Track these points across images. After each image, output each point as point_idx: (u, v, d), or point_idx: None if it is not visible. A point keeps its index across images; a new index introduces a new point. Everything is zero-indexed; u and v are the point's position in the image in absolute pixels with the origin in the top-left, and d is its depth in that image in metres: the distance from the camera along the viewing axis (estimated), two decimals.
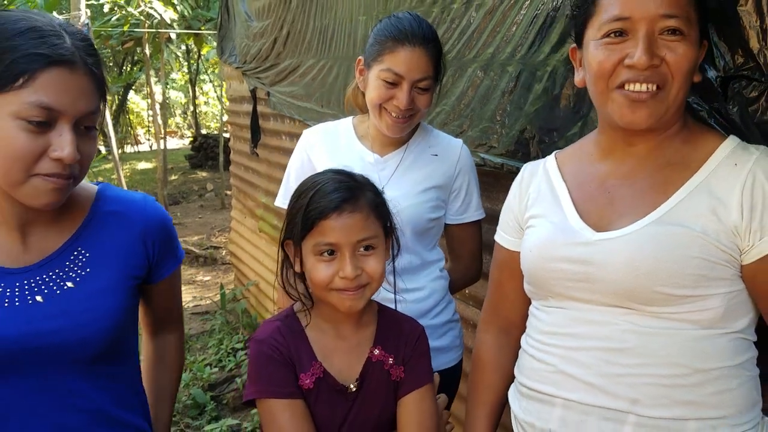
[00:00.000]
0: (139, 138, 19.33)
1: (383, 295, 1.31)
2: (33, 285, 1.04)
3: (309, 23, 3.27)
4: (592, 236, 1.09)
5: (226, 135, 10.56)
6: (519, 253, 1.22)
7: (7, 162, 0.97)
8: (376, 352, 1.24)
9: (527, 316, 1.23)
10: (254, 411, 3.46)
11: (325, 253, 1.16)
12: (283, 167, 4.04)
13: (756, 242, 1.00)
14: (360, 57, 1.59)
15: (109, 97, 1.29)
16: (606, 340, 1.06)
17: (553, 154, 1.26)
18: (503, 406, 1.31)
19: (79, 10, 6.32)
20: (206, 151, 12.34)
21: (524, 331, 1.23)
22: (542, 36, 1.68)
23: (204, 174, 12.48)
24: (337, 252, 1.16)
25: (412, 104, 1.50)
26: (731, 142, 1.07)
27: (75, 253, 1.09)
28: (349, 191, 1.17)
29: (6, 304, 1.02)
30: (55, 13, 8.04)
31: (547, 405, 1.13)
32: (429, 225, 1.59)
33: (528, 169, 1.28)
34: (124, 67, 11.85)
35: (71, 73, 0.99)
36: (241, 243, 5.05)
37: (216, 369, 4.02)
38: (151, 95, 9.57)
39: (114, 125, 9.59)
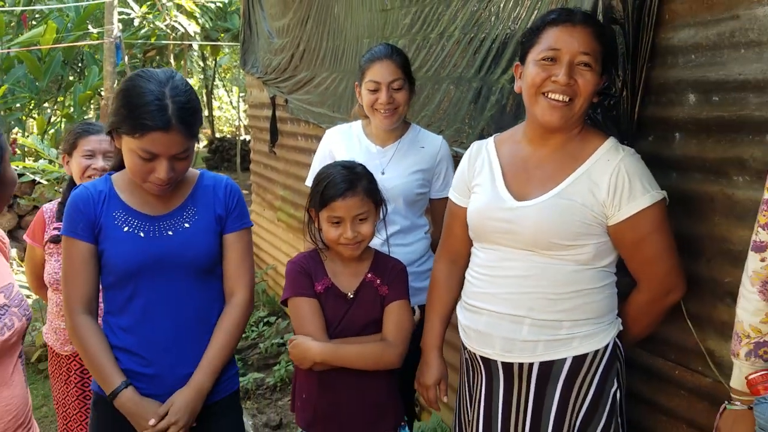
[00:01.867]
0: None
1: (374, 242, 1.94)
2: (166, 225, 1.68)
3: (322, 42, 3.89)
4: (513, 204, 1.62)
5: (243, 137, 11.21)
6: (466, 209, 1.76)
7: (133, 174, 1.62)
8: (369, 276, 1.86)
9: (469, 252, 1.80)
10: (276, 367, 4.10)
11: (334, 222, 1.79)
12: (299, 164, 4.77)
13: (616, 212, 1.53)
14: (356, 82, 2.22)
15: None
16: (518, 270, 1.60)
17: (492, 137, 1.79)
18: (451, 314, 1.87)
19: (112, 23, 6.98)
20: (222, 154, 12.96)
21: (467, 263, 1.81)
22: (495, 61, 2.30)
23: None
24: (342, 221, 1.78)
25: (392, 100, 2.10)
26: (609, 143, 1.59)
27: (188, 208, 1.72)
28: (349, 182, 1.79)
29: (152, 236, 1.66)
30: (90, 26, 8.72)
31: (477, 314, 1.69)
32: (416, 198, 2.19)
33: (475, 147, 1.80)
34: None
35: (166, 134, 1.54)
36: (260, 233, 5.67)
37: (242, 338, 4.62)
38: None
39: None
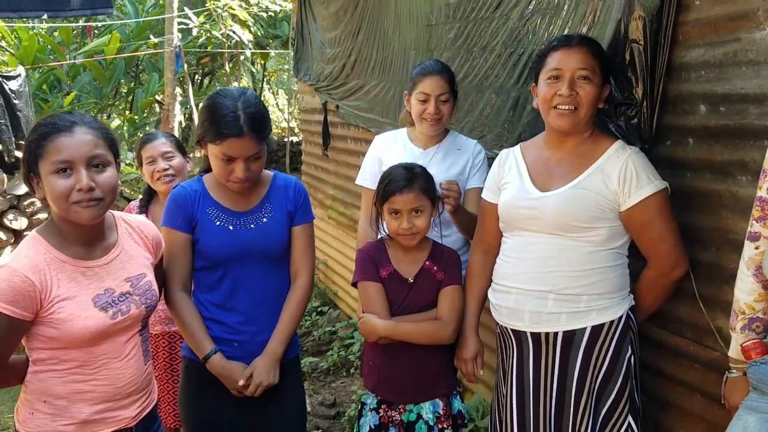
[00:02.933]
0: None
1: (434, 235, 2.24)
2: (249, 220, 2.01)
3: (372, 53, 4.21)
4: (538, 194, 1.92)
5: (290, 139, 11.64)
6: (496, 204, 2.06)
7: (218, 175, 1.94)
8: (427, 263, 2.16)
9: (499, 244, 2.07)
10: (329, 352, 4.44)
11: (393, 214, 2.09)
12: (349, 165, 5.12)
13: (626, 199, 1.82)
14: (405, 91, 2.52)
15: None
16: (542, 252, 1.90)
17: (519, 144, 2.10)
18: (485, 299, 2.15)
19: (173, 33, 7.46)
20: (270, 155, 13.40)
21: (497, 254, 2.09)
22: (532, 73, 2.55)
23: None
24: (400, 214, 2.09)
25: (438, 111, 2.40)
26: (618, 144, 1.89)
27: (265, 205, 2.04)
28: (407, 180, 2.10)
29: (239, 228, 1.99)
30: (151, 36, 9.26)
31: (506, 293, 1.98)
32: None
33: (504, 153, 2.12)
34: (204, 81, 13.04)
35: (240, 140, 1.86)
36: None
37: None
38: None
39: (187, 133, 10.81)
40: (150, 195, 2.87)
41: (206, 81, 13.48)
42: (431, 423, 2.14)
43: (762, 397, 1.50)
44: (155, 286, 1.78)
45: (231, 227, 1.98)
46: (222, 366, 1.95)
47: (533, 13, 2.52)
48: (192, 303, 2.01)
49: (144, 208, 2.84)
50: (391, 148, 2.57)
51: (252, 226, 2.00)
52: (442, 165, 2.46)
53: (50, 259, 1.58)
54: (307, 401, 3.84)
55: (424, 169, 2.16)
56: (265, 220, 2.02)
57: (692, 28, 1.86)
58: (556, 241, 1.88)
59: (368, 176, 2.59)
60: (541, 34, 2.48)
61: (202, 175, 2.10)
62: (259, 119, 1.90)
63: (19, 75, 5.88)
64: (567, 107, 1.85)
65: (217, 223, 1.99)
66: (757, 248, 1.54)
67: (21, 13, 3.49)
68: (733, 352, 1.62)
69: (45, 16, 4.15)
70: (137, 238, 1.80)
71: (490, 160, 2.50)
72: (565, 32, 2.31)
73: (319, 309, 5.19)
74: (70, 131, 1.56)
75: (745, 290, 1.57)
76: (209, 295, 2.02)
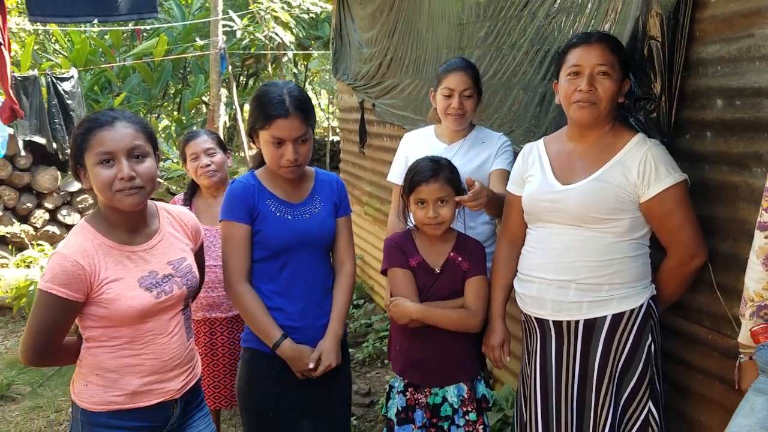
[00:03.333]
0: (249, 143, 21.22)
1: (458, 226, 2.34)
2: (304, 211, 2.12)
3: (407, 52, 4.31)
4: (560, 187, 2.00)
5: (331, 138, 11.83)
6: (521, 197, 2.14)
7: (269, 161, 2.05)
8: (452, 254, 2.25)
9: (524, 235, 2.15)
10: (365, 344, 4.57)
11: (420, 203, 2.20)
12: (385, 162, 5.23)
13: (645, 191, 1.88)
14: (431, 88, 2.61)
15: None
16: (564, 243, 1.97)
17: (542, 139, 2.17)
18: (511, 288, 2.22)
19: (217, 36, 7.71)
20: (311, 154, 13.64)
21: (522, 245, 2.17)
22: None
23: None
24: (426, 203, 2.19)
25: (462, 106, 2.49)
26: (637, 137, 1.95)
27: (315, 197, 2.16)
28: (433, 171, 2.20)
29: (297, 218, 2.10)
30: (198, 39, 9.57)
31: (530, 282, 2.06)
32: None
33: (527, 147, 2.19)
34: (248, 82, 13.35)
35: (286, 120, 1.98)
36: None
37: None
38: None
39: (232, 133, 11.12)
40: (193, 189, 3.04)
41: (250, 82, 13.80)
42: (456, 406, 2.24)
43: None
44: (195, 270, 1.92)
45: (289, 217, 2.09)
46: (292, 349, 2.05)
47: (558, 11, 2.58)
48: (255, 294, 2.09)
49: (188, 202, 3.01)
50: (418, 145, 2.68)
51: (307, 215, 2.12)
52: (466, 157, 2.55)
53: (98, 244, 1.72)
54: None
55: (449, 161, 2.26)
56: (316, 210, 2.14)
57: (708, 25, 1.91)
58: (578, 232, 1.95)
59: (397, 172, 2.70)
60: (566, 32, 2.54)
61: (254, 171, 2.20)
62: (303, 101, 2.02)
63: (72, 77, 6.21)
64: (586, 103, 1.91)
65: (277, 213, 2.09)
66: (766, 238, 1.59)
67: (73, 18, 3.72)
68: (743, 338, 1.67)
69: (95, 21, 4.41)
70: (177, 226, 1.93)
71: (516, 155, 2.58)
72: (588, 29, 2.37)
73: (355, 302, 5.33)
74: (112, 125, 1.70)
75: (754, 278, 1.62)
76: (270, 285, 2.10)
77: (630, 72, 2.02)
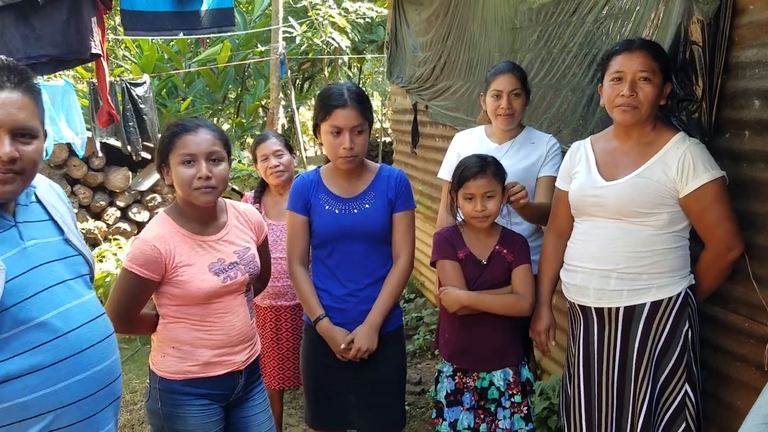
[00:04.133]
0: (305, 145, 21.73)
1: (502, 222, 2.49)
2: (353, 205, 2.32)
3: (460, 55, 4.48)
4: (603, 183, 2.13)
5: (383, 139, 12.06)
6: (567, 192, 2.28)
7: (329, 152, 2.26)
8: (497, 247, 2.41)
9: (571, 228, 2.29)
10: (416, 336, 4.75)
11: (467, 199, 2.37)
12: (437, 162, 5.39)
13: (684, 187, 2.00)
14: (481, 92, 2.78)
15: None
16: (605, 235, 2.10)
17: (589, 137, 2.31)
18: (557, 278, 2.37)
19: (278, 42, 8.05)
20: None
21: (569, 238, 2.32)
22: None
23: None
24: (474, 198, 2.36)
25: (511, 106, 2.64)
26: (678, 135, 2.07)
27: (370, 192, 2.35)
28: (479, 167, 2.35)
29: (343, 212, 2.31)
30: (259, 45, 9.98)
31: (574, 272, 2.20)
32: (526, 183, 2.67)
33: (575, 146, 2.32)
34: (304, 85, 13.73)
35: (344, 110, 2.20)
36: None
37: None
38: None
39: (289, 135, 11.49)
40: (263, 188, 3.30)
41: (306, 85, 14.18)
42: (502, 389, 2.39)
43: None
44: (257, 259, 2.16)
45: (337, 211, 2.31)
46: (328, 329, 2.29)
47: (606, 17, 2.72)
48: (307, 275, 2.36)
49: (258, 199, 3.28)
50: (469, 145, 2.82)
51: (355, 210, 2.31)
52: (516, 157, 2.69)
53: (174, 232, 1.99)
54: None
55: (494, 159, 2.41)
56: (367, 206, 2.32)
57: (747, 30, 2.02)
58: (620, 225, 2.08)
59: (447, 170, 2.85)
60: (613, 36, 2.67)
61: (320, 166, 2.44)
62: (360, 95, 2.26)
63: (145, 82, 6.64)
64: (628, 107, 2.04)
65: (326, 207, 2.32)
66: None
67: (162, 32, 4.09)
68: None
69: (180, 35, 4.78)
70: (243, 220, 2.18)
71: (564, 153, 2.72)
72: (635, 34, 2.50)
73: (406, 297, 5.52)
74: (196, 131, 1.97)
75: None
76: (322, 268, 2.36)
77: (671, 75, 2.14)
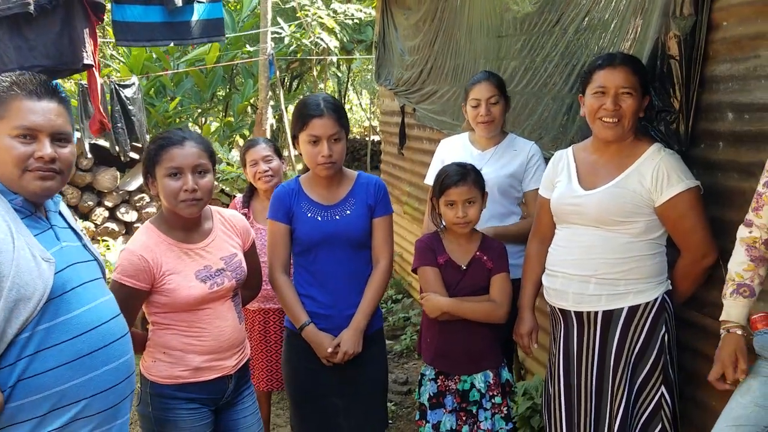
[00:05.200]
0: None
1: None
2: (334, 212, 2.38)
3: (447, 61, 4.54)
4: (582, 192, 2.20)
5: (372, 138, 12.12)
6: (549, 200, 2.35)
7: (308, 160, 2.31)
8: (478, 253, 2.47)
9: (553, 234, 2.37)
10: (403, 336, 4.82)
11: (449, 205, 2.43)
12: (424, 164, 5.44)
13: (659, 196, 2.07)
14: (462, 103, 2.84)
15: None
16: (584, 242, 2.17)
17: (571, 147, 2.37)
18: (540, 282, 2.42)
19: (266, 43, 8.07)
20: (353, 154, 13.99)
21: (551, 243, 2.39)
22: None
23: None
24: (455, 204, 2.42)
25: (489, 113, 2.71)
26: (654, 146, 2.14)
27: (350, 199, 2.40)
28: (461, 175, 2.42)
29: (324, 219, 2.36)
30: (248, 45, 9.99)
31: (554, 277, 2.27)
32: (508, 189, 2.76)
33: (557, 155, 2.39)
34: (292, 84, 13.74)
35: (321, 119, 2.26)
36: None
37: None
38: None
39: (277, 134, 11.51)
40: (251, 192, 3.34)
41: (294, 84, 14.19)
42: (483, 391, 2.45)
43: (766, 363, 1.74)
44: (244, 265, 2.21)
45: (319, 218, 2.36)
46: (314, 334, 2.33)
47: (587, 28, 2.78)
48: (290, 282, 2.41)
49: (246, 204, 3.31)
50: (453, 151, 2.90)
51: (337, 217, 2.37)
52: (497, 164, 2.77)
53: (160, 242, 2.04)
54: None
55: (473, 167, 2.47)
56: (348, 212, 2.38)
57: (720, 46, 2.09)
58: (598, 232, 2.15)
59: (433, 176, 2.92)
60: (592, 47, 2.74)
61: (299, 176, 2.50)
62: (336, 105, 2.34)
63: (134, 84, 6.64)
64: (611, 120, 2.12)
65: (308, 214, 2.37)
66: (750, 232, 1.84)
67: (153, 42, 4.13)
68: (723, 316, 1.90)
69: (171, 44, 4.84)
70: (228, 226, 2.23)
71: (547, 161, 2.79)
72: (612, 47, 2.57)
73: (394, 297, 5.59)
74: (182, 144, 2.02)
75: (737, 261, 1.86)
76: (304, 275, 2.41)
77: (649, 88, 2.20)
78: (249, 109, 11.81)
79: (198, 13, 4.00)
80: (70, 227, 1.69)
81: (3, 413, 1.39)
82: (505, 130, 2.88)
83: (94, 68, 3.77)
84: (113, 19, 4.01)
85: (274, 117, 9.96)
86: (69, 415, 1.48)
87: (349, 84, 16.07)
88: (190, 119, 10.74)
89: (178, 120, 9.74)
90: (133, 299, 2.00)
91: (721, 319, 1.91)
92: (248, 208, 3.28)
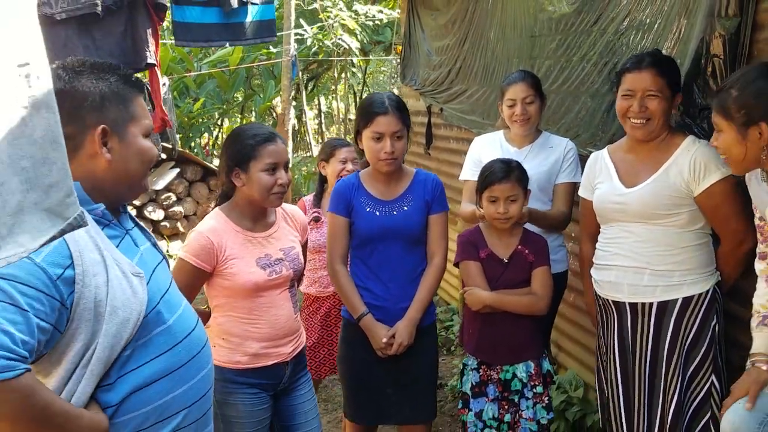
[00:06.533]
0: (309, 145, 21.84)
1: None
2: (392, 207, 2.46)
3: (477, 60, 4.61)
4: (625, 190, 2.27)
5: None
6: (591, 201, 2.40)
7: (370, 156, 2.41)
8: (520, 247, 2.54)
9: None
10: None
11: (491, 201, 2.49)
12: (450, 164, 5.51)
13: (696, 187, 2.14)
14: (498, 102, 2.91)
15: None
16: (635, 236, 2.24)
17: (606, 148, 2.43)
18: None
19: (290, 44, 8.18)
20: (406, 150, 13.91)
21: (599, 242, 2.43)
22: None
23: None
24: (497, 201, 2.48)
25: (525, 112, 2.78)
26: (688, 139, 2.21)
27: (407, 195, 2.48)
28: (505, 172, 2.48)
29: (384, 214, 2.44)
30: (270, 46, 10.11)
31: (608, 270, 2.33)
32: (545, 186, 2.82)
33: (593, 157, 2.46)
34: (308, 84, 13.85)
35: (385, 117, 2.36)
36: None
37: None
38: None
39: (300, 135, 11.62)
40: (322, 191, 3.43)
41: (310, 85, 14.30)
42: (525, 381, 2.52)
43: None
44: (302, 257, 2.31)
45: (378, 213, 2.45)
46: (371, 325, 2.42)
47: (627, 28, 2.85)
48: (348, 273, 2.49)
49: (317, 203, 3.40)
50: (488, 148, 2.95)
51: (395, 212, 2.45)
52: (535, 161, 2.83)
53: (226, 227, 2.15)
54: None
55: (519, 164, 2.54)
56: (406, 208, 2.45)
57: (765, 45, 2.16)
58: (646, 227, 2.22)
59: (469, 171, 2.98)
60: (634, 47, 2.80)
61: (359, 171, 2.59)
62: (400, 104, 2.44)
63: (164, 84, 6.75)
64: (638, 121, 2.20)
65: (367, 209, 2.45)
66: (767, 264, 1.92)
67: (210, 42, 4.25)
68: (752, 348, 1.94)
69: (227, 45, 4.94)
70: (290, 221, 2.34)
71: (585, 158, 2.85)
72: (656, 46, 2.63)
73: None
74: (276, 142, 2.16)
75: (759, 294, 1.93)
76: (362, 268, 2.49)
77: (680, 87, 2.24)
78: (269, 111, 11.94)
79: (252, 14, 4.13)
80: (138, 226, 1.58)
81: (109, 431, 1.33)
82: (540, 128, 2.94)
83: (156, 67, 3.89)
84: (173, 19, 4.14)
85: (295, 117, 10.06)
86: (171, 425, 1.43)
87: (365, 85, 16.15)
88: (211, 120, 10.87)
89: (200, 120, 9.85)
90: (195, 278, 2.11)
91: (750, 352, 1.96)
92: (319, 207, 3.37)
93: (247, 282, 2.11)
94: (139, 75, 4.18)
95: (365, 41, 10.65)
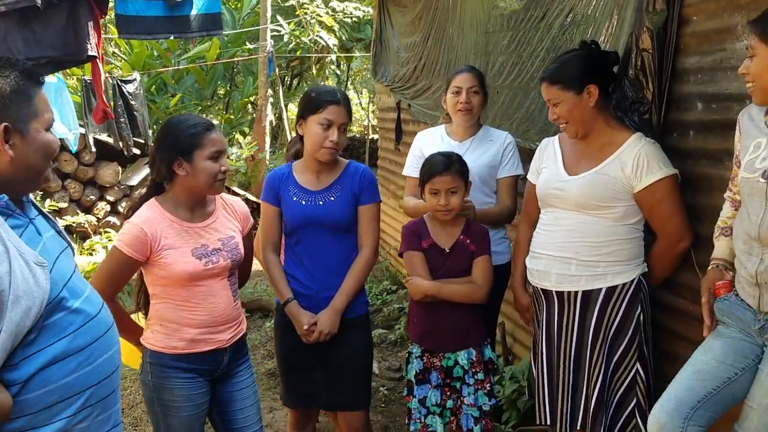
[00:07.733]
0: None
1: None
2: (319, 197, 2.50)
3: (439, 57, 4.66)
4: (566, 177, 2.32)
5: (371, 137, 12.23)
6: (536, 185, 2.47)
7: (313, 144, 2.44)
8: (461, 237, 2.59)
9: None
10: (397, 326, 4.94)
11: (433, 194, 2.53)
12: None
13: (638, 183, 2.19)
14: (443, 94, 2.96)
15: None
16: (567, 225, 2.30)
17: (558, 135, 2.49)
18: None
19: (266, 40, 8.20)
20: (351, 151, 14.10)
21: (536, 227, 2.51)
22: None
23: None
24: (438, 193, 2.53)
25: (469, 101, 2.83)
26: (635, 135, 2.25)
27: (335, 186, 2.52)
28: (445, 165, 2.52)
29: (309, 204, 2.48)
30: (248, 42, 10.12)
31: (538, 258, 2.39)
32: (487, 178, 2.87)
33: (544, 142, 2.52)
34: (292, 82, 13.87)
35: (337, 107, 2.41)
36: (384, 219, 6.52)
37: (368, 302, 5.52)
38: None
39: (277, 131, 11.63)
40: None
41: (294, 82, 14.32)
42: (466, 367, 2.57)
43: (725, 328, 1.87)
44: (241, 247, 2.33)
45: (303, 202, 2.49)
46: (294, 311, 2.48)
47: (571, 24, 2.91)
48: (278, 260, 2.56)
49: None
50: (431, 142, 3.00)
51: (320, 202, 2.49)
52: (475, 153, 2.88)
53: (162, 218, 2.17)
54: (376, 366, 4.35)
55: (459, 157, 2.59)
56: (332, 198, 2.50)
57: (690, 39, 2.22)
58: (580, 217, 2.28)
59: (411, 167, 3.03)
60: (577, 42, 2.86)
61: (292, 162, 2.64)
62: (347, 97, 2.51)
63: (135, 79, 6.78)
64: (562, 125, 2.32)
65: (294, 198, 2.50)
66: (732, 192, 1.99)
67: (154, 35, 4.28)
68: (715, 253, 2.03)
69: (171, 38, 4.99)
70: (230, 211, 2.36)
71: (530, 151, 2.91)
72: (595, 39, 2.68)
73: (389, 289, 5.71)
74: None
75: (724, 212, 2.00)
76: (290, 255, 2.56)
77: (592, 80, 2.25)
78: (249, 107, 11.95)
79: (197, 7, 4.15)
80: (42, 214, 1.60)
81: (13, 407, 1.37)
82: (480, 122, 3.00)
83: (97, 59, 3.91)
84: (116, 12, 4.16)
85: (274, 114, 10.08)
86: (76, 405, 1.48)
87: (349, 83, 16.19)
88: None
89: None
90: (126, 268, 2.16)
91: (712, 256, 2.03)
92: None
93: (182, 272, 2.14)
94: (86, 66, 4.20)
95: (345, 38, 10.67)
